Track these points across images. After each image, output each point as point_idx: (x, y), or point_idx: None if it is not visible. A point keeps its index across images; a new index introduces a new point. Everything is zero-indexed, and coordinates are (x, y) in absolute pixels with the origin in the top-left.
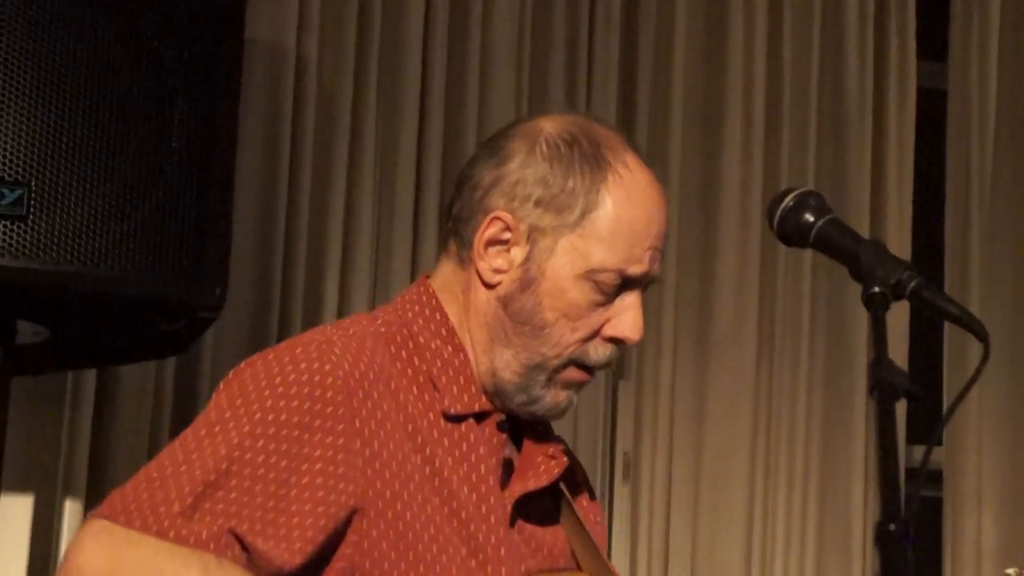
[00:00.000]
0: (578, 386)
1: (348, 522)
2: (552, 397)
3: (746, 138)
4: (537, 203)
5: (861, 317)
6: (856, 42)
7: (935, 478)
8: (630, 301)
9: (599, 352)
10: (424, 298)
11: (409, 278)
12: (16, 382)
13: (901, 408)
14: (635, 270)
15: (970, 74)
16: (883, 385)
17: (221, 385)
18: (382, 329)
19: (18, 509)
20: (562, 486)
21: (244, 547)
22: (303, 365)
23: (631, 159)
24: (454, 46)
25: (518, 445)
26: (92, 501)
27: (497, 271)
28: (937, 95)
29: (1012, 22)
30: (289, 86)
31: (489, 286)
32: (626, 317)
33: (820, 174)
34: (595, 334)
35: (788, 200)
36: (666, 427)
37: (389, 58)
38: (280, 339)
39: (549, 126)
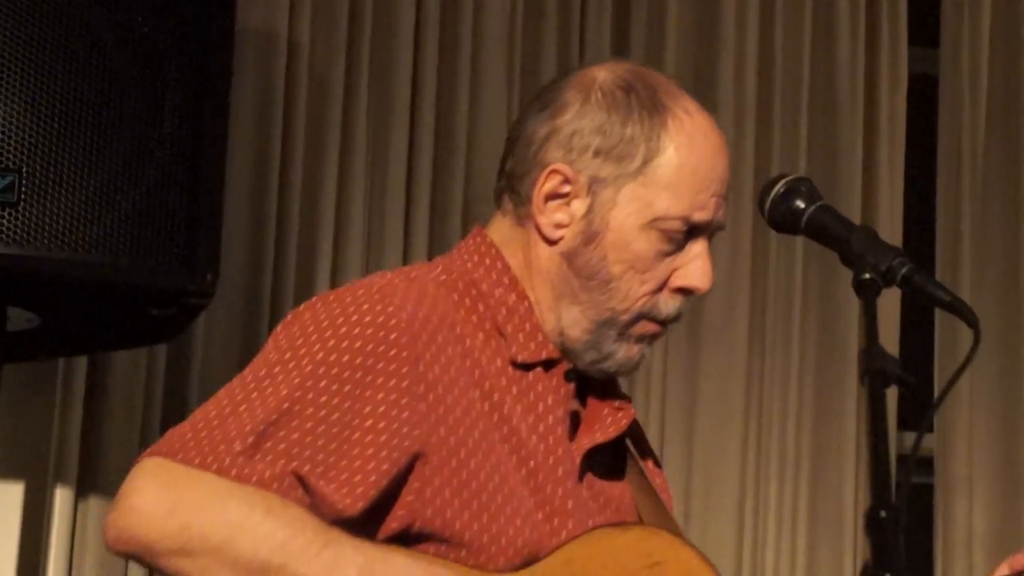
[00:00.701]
0: (651, 339)
1: (410, 468)
2: (625, 352)
3: (738, 124)
4: (596, 153)
5: (852, 304)
6: (848, 28)
7: (926, 464)
8: (697, 250)
9: (669, 305)
10: (483, 248)
11: (402, 259)
12: (7, 369)
13: (892, 395)
14: (700, 217)
15: (962, 60)
16: (874, 372)
17: (279, 327)
18: (442, 277)
19: (9, 496)
20: (629, 443)
21: (306, 490)
22: (365, 307)
23: (690, 103)
24: (446, 32)
25: (583, 399)
26: (83, 488)
27: (558, 226)
28: (929, 81)
29: (1003, 7)
30: (281, 73)
31: (551, 242)
32: (695, 267)
33: (811, 160)
34: (663, 286)
35: (779, 186)
36: (657, 414)
37: (381, 45)
38: (272, 325)
39: (603, 74)
